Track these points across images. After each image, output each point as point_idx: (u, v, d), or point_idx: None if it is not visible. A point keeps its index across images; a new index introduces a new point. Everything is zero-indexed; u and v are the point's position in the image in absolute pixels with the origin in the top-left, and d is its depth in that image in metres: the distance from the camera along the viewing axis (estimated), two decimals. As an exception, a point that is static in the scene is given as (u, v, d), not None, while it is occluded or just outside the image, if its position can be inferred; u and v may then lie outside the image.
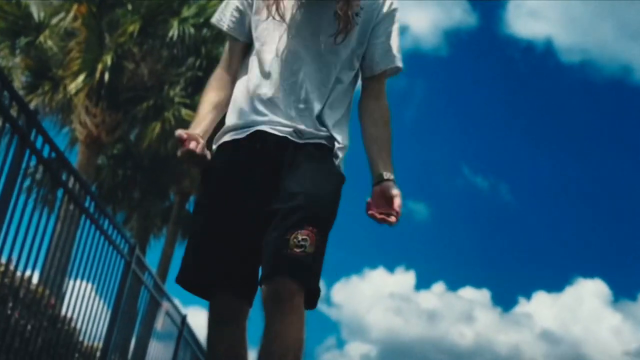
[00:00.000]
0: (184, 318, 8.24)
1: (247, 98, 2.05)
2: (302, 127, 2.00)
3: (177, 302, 8.04)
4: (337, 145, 2.06)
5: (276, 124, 2.00)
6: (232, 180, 1.99)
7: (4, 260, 3.70)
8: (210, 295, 1.99)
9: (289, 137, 1.99)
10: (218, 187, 2.01)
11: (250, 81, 2.06)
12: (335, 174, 2.05)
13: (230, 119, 2.07)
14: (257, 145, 1.99)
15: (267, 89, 2.02)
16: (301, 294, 1.84)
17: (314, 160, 2.00)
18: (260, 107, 2.02)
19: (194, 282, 2.00)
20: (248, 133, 2.00)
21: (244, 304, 2.00)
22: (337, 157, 2.07)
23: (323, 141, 2.04)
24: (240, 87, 2.10)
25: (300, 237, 1.82)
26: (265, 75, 2.04)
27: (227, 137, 2.04)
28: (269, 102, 2.02)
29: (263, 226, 1.90)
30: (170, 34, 12.50)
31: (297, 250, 1.81)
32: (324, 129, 2.05)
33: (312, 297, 1.90)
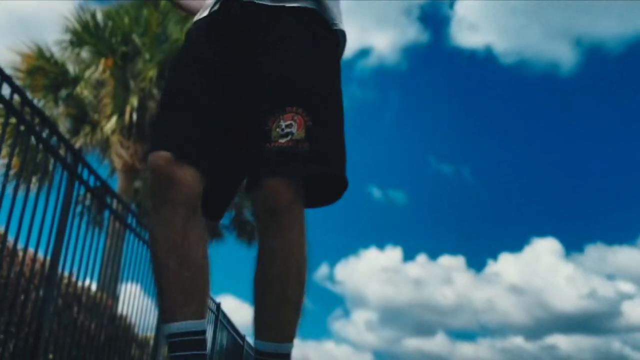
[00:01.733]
0: (218, 305, 8.24)
1: None
2: None
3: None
4: (331, 16, 1.40)
5: None
6: (199, 63, 1.39)
7: (67, 273, 3.71)
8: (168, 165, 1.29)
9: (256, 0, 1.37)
10: (185, 69, 1.40)
11: None
12: (328, 60, 1.37)
13: None
14: (219, 17, 1.40)
15: None
16: (298, 199, 1.27)
17: (294, 37, 1.34)
18: None
19: (160, 146, 1.30)
20: (219, 2, 1.42)
21: (199, 180, 1.31)
22: (332, 34, 1.40)
23: (308, 4, 1.38)
24: None
25: (283, 124, 1.23)
26: None
27: (204, 13, 1.47)
28: None
29: (232, 117, 1.35)
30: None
31: (282, 140, 1.22)
32: None
33: (335, 187, 1.32)
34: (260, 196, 1.25)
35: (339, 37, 1.44)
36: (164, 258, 1.30)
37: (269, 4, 1.37)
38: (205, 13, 1.46)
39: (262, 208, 1.26)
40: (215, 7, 1.43)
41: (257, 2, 1.37)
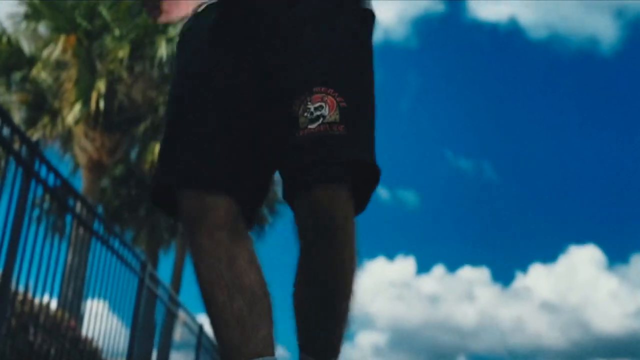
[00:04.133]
0: (200, 327, 8.23)
1: None
2: None
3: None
4: None
5: None
6: (208, 55, 1.37)
7: (21, 289, 3.69)
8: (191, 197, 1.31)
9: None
10: (193, 64, 1.39)
11: None
12: (365, 46, 1.36)
13: None
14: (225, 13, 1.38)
15: None
16: (352, 210, 1.22)
17: (322, 19, 1.32)
18: None
19: (181, 181, 1.32)
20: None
21: (234, 202, 1.32)
22: (365, 11, 1.39)
23: None
24: None
25: (312, 107, 1.18)
26: None
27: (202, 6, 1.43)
28: None
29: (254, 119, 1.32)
30: (159, 54, 12.49)
31: (312, 126, 1.17)
32: None
33: (368, 178, 1.25)
34: (305, 209, 1.20)
35: (372, 15, 1.43)
36: (210, 293, 1.30)
37: None
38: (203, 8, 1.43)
39: (309, 223, 1.22)
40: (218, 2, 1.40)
41: None
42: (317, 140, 1.17)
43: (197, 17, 1.45)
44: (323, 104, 1.19)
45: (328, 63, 1.25)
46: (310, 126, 1.17)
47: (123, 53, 12.16)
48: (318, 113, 1.18)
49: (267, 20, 1.35)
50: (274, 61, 1.31)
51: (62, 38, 12.09)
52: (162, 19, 1.60)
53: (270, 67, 1.31)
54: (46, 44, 12.44)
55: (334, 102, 1.19)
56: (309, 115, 1.18)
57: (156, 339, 6.76)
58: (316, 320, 1.34)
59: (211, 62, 1.37)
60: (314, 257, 1.27)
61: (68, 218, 4.43)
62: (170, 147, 1.39)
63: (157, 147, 12.68)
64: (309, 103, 1.19)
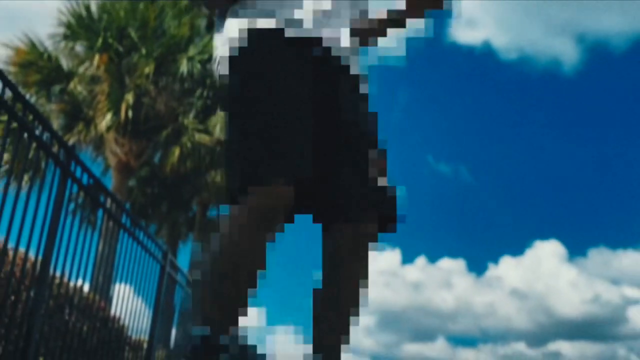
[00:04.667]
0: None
1: None
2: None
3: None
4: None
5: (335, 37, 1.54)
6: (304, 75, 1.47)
7: (58, 274, 3.70)
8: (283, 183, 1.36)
9: (342, 52, 1.55)
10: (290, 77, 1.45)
11: None
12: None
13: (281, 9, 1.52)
14: (319, 51, 1.51)
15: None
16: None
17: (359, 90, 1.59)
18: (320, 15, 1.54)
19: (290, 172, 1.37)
20: (311, 36, 1.51)
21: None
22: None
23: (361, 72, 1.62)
24: None
25: (374, 169, 1.51)
26: None
27: (289, 32, 1.50)
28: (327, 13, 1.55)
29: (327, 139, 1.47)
30: (180, 70, 12.48)
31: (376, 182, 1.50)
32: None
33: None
34: (362, 227, 1.48)
35: None
36: (236, 270, 1.39)
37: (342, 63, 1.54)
38: (292, 34, 1.50)
39: (360, 238, 1.48)
40: (303, 35, 1.50)
41: (334, 54, 1.53)
42: (381, 192, 1.53)
43: (263, 38, 1.49)
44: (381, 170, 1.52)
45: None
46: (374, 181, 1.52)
47: (149, 69, 12.15)
48: (377, 175, 1.52)
49: (334, 67, 1.53)
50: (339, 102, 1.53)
51: (96, 56, 12.09)
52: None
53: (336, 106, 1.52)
54: (82, 61, 12.44)
55: (384, 167, 1.55)
56: (372, 172, 1.52)
57: (175, 319, 6.76)
58: (339, 324, 1.55)
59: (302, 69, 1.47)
60: (351, 267, 1.50)
61: (99, 213, 4.43)
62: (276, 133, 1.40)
63: (177, 151, 12.69)
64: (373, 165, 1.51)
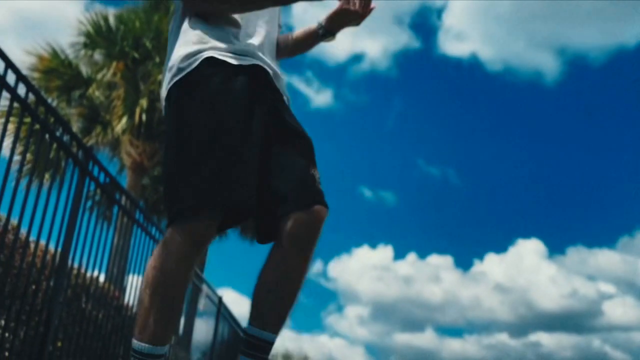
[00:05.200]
0: (220, 299, 8.23)
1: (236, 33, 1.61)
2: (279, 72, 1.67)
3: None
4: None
5: (267, 65, 1.62)
6: (241, 102, 1.49)
7: (76, 265, 3.71)
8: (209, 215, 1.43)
9: (273, 79, 1.64)
10: (227, 104, 1.47)
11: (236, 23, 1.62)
12: None
13: (221, 39, 1.56)
14: (258, 77, 1.57)
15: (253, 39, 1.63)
16: None
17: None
18: (255, 49, 1.60)
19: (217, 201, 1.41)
20: (251, 63, 1.56)
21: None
22: None
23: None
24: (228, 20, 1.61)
25: (316, 176, 1.57)
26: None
27: (226, 58, 1.53)
28: (258, 47, 1.63)
29: (265, 153, 1.53)
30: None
31: (319, 186, 1.57)
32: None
33: None
34: (311, 215, 1.50)
35: None
36: (177, 293, 1.46)
37: (277, 81, 1.63)
38: (228, 59, 1.53)
39: (305, 228, 1.49)
40: (245, 63, 1.54)
41: (271, 71, 1.61)
42: (323, 194, 1.56)
43: (212, 70, 1.51)
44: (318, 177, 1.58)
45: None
46: (318, 185, 1.55)
47: (162, 76, 12.16)
48: (319, 181, 1.57)
49: (275, 93, 1.62)
50: (281, 120, 1.60)
51: (114, 64, 12.09)
52: None
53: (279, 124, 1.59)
54: (100, 68, 12.44)
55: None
56: (317, 178, 1.56)
57: (184, 309, 6.76)
58: (279, 307, 1.52)
59: (245, 110, 1.50)
60: (294, 256, 1.50)
61: (115, 209, 4.43)
62: (204, 167, 1.44)
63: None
64: (316, 173, 1.57)
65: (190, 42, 1.55)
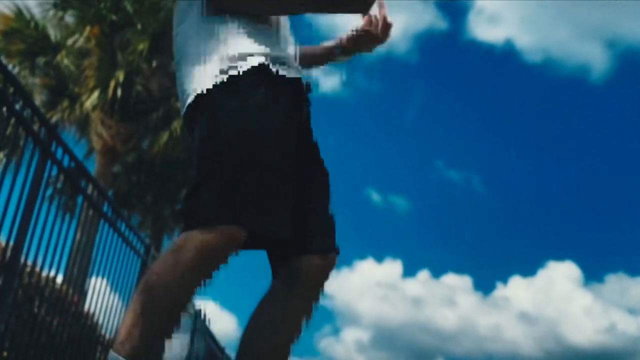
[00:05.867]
0: (197, 312, 8.23)
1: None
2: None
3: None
4: None
5: (304, 77, 1.75)
6: (286, 120, 1.60)
7: (30, 262, 3.69)
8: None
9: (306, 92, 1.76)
10: (273, 121, 1.57)
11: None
12: None
13: (268, 43, 1.66)
14: (299, 92, 1.69)
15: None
16: None
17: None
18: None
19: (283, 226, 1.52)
20: (295, 76, 1.67)
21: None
22: None
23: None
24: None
25: (334, 220, 1.73)
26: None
27: (275, 67, 1.62)
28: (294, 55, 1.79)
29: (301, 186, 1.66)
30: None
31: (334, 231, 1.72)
32: None
33: None
34: (321, 263, 1.63)
35: None
36: (175, 308, 1.51)
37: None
38: (283, 72, 1.62)
39: (320, 273, 1.64)
40: (292, 75, 1.64)
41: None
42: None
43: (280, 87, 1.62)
44: None
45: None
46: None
47: (143, 46, 12.16)
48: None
49: (306, 114, 1.73)
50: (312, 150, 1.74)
51: (87, 28, 12.10)
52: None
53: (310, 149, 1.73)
54: (71, 32, 12.44)
55: None
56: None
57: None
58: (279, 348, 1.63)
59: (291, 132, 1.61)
60: (296, 300, 1.62)
61: (79, 199, 4.43)
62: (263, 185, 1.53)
63: (165, 136, 12.67)
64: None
65: (232, 41, 1.62)
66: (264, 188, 1.49)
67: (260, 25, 1.68)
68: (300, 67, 1.74)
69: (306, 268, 1.63)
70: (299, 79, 1.68)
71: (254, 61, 1.59)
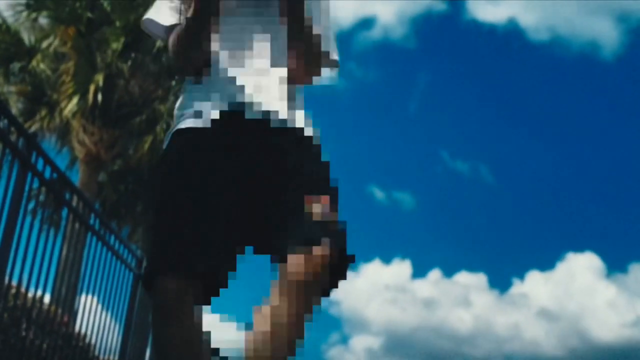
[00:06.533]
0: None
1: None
2: None
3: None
4: None
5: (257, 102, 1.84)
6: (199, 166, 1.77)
7: (14, 283, 3.69)
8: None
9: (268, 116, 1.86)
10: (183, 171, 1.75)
11: None
12: None
13: (199, 97, 1.84)
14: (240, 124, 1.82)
15: None
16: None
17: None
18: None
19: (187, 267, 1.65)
20: (231, 110, 1.81)
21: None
22: None
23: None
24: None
25: (318, 210, 1.74)
26: None
27: (195, 123, 1.79)
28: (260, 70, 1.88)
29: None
30: (157, 45, 12.46)
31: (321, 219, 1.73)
32: None
33: None
34: (294, 260, 1.60)
35: None
36: (170, 354, 1.64)
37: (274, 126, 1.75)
38: (199, 124, 1.74)
39: (290, 268, 1.60)
40: (216, 117, 1.73)
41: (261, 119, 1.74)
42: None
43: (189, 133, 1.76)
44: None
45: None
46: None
47: (117, 45, 12.14)
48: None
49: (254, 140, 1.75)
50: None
51: (62, 29, 12.08)
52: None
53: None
54: (46, 35, 12.44)
55: None
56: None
57: (150, 337, 6.76)
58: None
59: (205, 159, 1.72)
60: (294, 298, 1.62)
61: (64, 212, 4.42)
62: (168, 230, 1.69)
63: (149, 140, 12.67)
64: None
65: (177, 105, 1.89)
66: (163, 235, 1.68)
67: (216, 62, 1.82)
68: (265, 88, 1.77)
69: (281, 267, 1.64)
70: (203, 128, 1.75)
71: (173, 130, 1.79)
